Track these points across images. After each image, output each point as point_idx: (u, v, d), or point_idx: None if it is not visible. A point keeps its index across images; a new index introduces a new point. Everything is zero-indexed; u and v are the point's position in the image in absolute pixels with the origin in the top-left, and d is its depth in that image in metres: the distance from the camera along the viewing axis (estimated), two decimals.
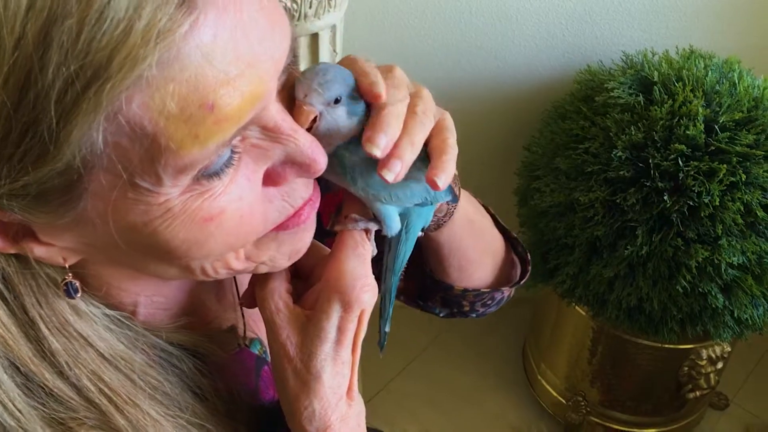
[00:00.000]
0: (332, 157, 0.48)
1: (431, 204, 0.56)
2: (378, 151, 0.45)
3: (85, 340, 0.45)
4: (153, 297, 0.53)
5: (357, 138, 0.47)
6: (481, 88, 1.63)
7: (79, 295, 0.45)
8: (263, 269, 0.49)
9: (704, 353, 1.47)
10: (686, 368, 1.49)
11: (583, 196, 1.30)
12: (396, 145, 0.46)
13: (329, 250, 0.53)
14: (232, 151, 0.41)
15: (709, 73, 1.30)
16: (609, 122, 1.29)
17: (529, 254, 0.74)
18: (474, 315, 0.73)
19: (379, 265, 0.55)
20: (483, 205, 0.70)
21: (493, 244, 0.70)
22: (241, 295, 0.56)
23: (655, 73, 1.31)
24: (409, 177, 0.49)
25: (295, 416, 0.50)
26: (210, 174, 0.40)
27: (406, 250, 0.57)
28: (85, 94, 0.33)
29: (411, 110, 0.47)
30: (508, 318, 1.97)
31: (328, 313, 0.49)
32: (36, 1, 0.32)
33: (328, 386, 0.49)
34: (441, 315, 0.74)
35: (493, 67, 1.61)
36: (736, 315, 1.30)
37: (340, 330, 0.49)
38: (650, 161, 1.23)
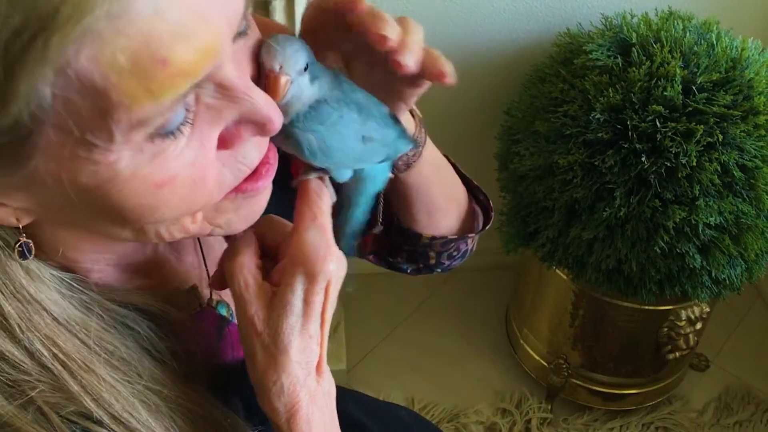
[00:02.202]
0: (289, 135, 0.48)
1: (395, 157, 0.56)
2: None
3: (39, 304, 0.45)
4: (107, 256, 0.52)
5: (314, 111, 0.48)
6: (460, 52, 1.62)
7: (32, 255, 0.44)
8: (218, 232, 0.49)
9: (683, 314, 1.49)
10: (666, 329, 1.51)
11: (562, 159, 1.30)
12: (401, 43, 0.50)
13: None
14: (186, 110, 0.40)
15: (688, 34, 1.30)
16: (587, 85, 1.29)
17: (491, 201, 0.74)
18: (439, 269, 0.74)
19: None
20: (444, 155, 0.70)
21: (458, 191, 0.71)
22: (210, 276, 0.56)
23: (634, 35, 1.31)
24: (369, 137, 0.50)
25: (264, 393, 0.50)
26: (165, 133, 0.39)
27: (358, 215, 0.57)
28: (31, 46, 0.32)
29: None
30: (490, 284, 1.98)
31: (293, 285, 0.48)
32: None
33: (295, 360, 0.49)
34: (408, 271, 0.74)
35: (472, 31, 1.60)
36: (713, 275, 1.31)
37: (306, 303, 0.49)
38: (628, 123, 1.23)
